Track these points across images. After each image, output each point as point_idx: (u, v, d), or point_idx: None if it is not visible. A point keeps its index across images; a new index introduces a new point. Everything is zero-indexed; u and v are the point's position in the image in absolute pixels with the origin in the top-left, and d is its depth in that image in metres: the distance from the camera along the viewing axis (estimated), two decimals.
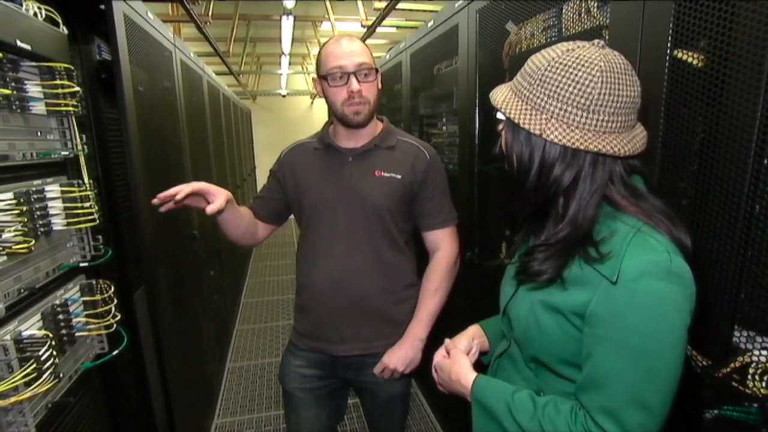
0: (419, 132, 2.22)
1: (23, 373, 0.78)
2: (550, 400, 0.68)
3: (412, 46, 2.20)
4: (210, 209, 1.00)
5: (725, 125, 0.67)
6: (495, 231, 1.50)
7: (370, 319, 1.24)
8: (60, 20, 1.02)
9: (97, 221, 1.06)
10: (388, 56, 2.73)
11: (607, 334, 0.60)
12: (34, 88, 0.93)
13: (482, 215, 1.61)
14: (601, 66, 0.60)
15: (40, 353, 0.82)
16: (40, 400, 0.89)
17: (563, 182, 0.65)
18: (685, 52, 0.73)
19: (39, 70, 0.94)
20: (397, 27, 4.34)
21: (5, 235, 0.81)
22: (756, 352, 0.66)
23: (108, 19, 1.21)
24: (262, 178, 1.39)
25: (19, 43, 0.85)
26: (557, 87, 0.62)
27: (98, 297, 1.08)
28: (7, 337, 0.81)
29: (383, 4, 3.23)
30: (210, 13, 3.53)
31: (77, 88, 1.01)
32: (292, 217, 1.35)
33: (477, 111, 1.54)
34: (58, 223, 0.98)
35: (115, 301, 1.10)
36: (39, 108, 0.95)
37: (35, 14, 0.93)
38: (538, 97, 0.64)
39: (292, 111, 9.46)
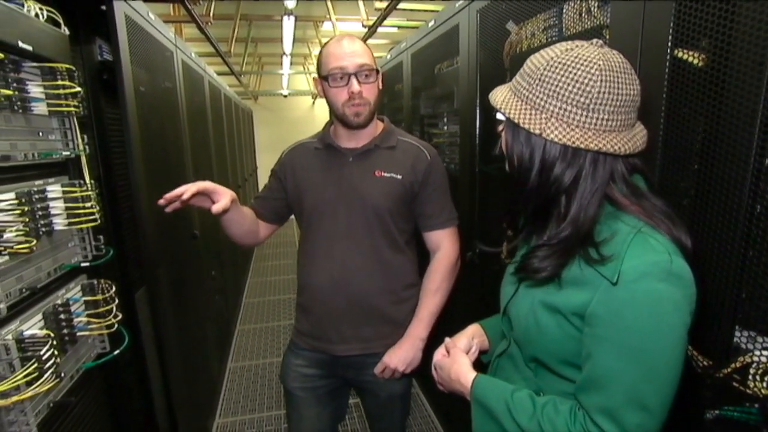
0: (420, 132, 2.22)
1: (25, 373, 0.78)
2: (549, 400, 0.68)
3: (413, 46, 2.20)
4: (215, 208, 1.01)
5: (726, 124, 0.67)
6: (496, 231, 1.50)
7: (370, 319, 1.24)
8: (61, 21, 1.02)
9: (99, 221, 1.06)
10: (389, 56, 2.73)
11: (607, 335, 0.60)
12: (35, 89, 0.93)
13: (483, 215, 1.61)
14: (600, 65, 0.60)
15: (42, 353, 0.82)
16: (42, 400, 0.89)
17: (564, 181, 0.65)
18: (685, 51, 0.72)
19: (40, 71, 0.95)
20: (398, 27, 4.34)
21: (7, 235, 0.81)
22: (757, 353, 0.66)
23: (109, 20, 1.22)
24: (263, 178, 1.40)
25: (20, 44, 0.86)
26: (556, 86, 0.62)
27: (99, 297, 1.08)
28: (9, 336, 0.81)
29: (384, 4, 3.23)
30: (211, 14, 3.53)
31: (79, 89, 1.01)
32: (293, 216, 1.35)
33: (478, 111, 1.54)
34: (60, 223, 0.98)
35: (117, 301, 1.10)
36: (41, 108, 0.95)
37: (37, 15, 0.94)
38: (537, 97, 0.64)
39: (293, 111, 9.47)
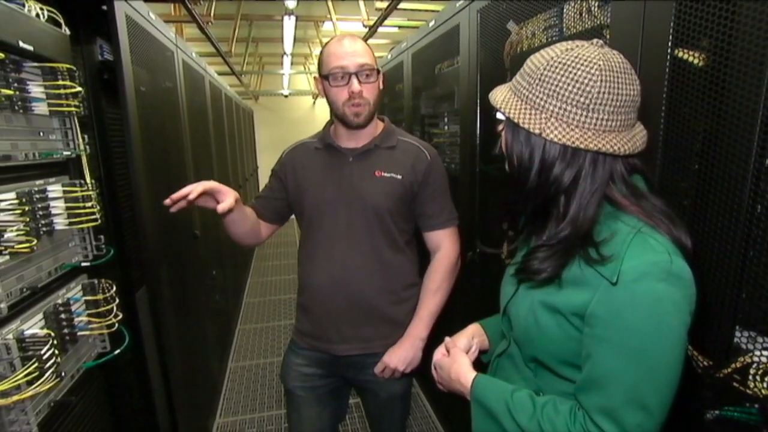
0: (421, 132, 2.22)
1: (25, 372, 0.79)
2: (549, 400, 0.68)
3: (414, 46, 2.20)
4: (221, 208, 1.01)
5: (726, 124, 0.67)
6: (496, 230, 1.50)
7: (370, 319, 1.24)
8: (62, 21, 1.02)
9: (99, 221, 1.07)
10: (389, 56, 2.73)
11: (606, 335, 0.60)
12: (36, 89, 0.93)
13: (483, 215, 1.61)
14: (600, 65, 0.60)
15: (42, 352, 0.82)
16: (42, 399, 0.89)
17: (564, 181, 0.65)
18: (686, 51, 0.72)
19: (41, 71, 0.95)
20: (399, 27, 4.34)
21: (8, 235, 0.81)
22: (757, 353, 0.66)
23: (110, 20, 1.22)
24: (264, 178, 1.40)
25: (21, 44, 0.86)
26: (556, 86, 0.62)
27: (100, 296, 1.08)
28: (10, 336, 0.81)
29: (385, 4, 3.23)
30: (212, 14, 3.54)
31: (79, 89, 1.01)
32: (294, 216, 1.35)
33: (478, 111, 1.54)
34: (61, 222, 0.99)
35: (117, 301, 1.10)
36: (41, 108, 0.95)
37: (37, 15, 0.94)
38: (537, 97, 0.64)
39: (294, 111, 9.48)
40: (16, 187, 0.88)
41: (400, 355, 1.23)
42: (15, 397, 0.78)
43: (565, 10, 1.05)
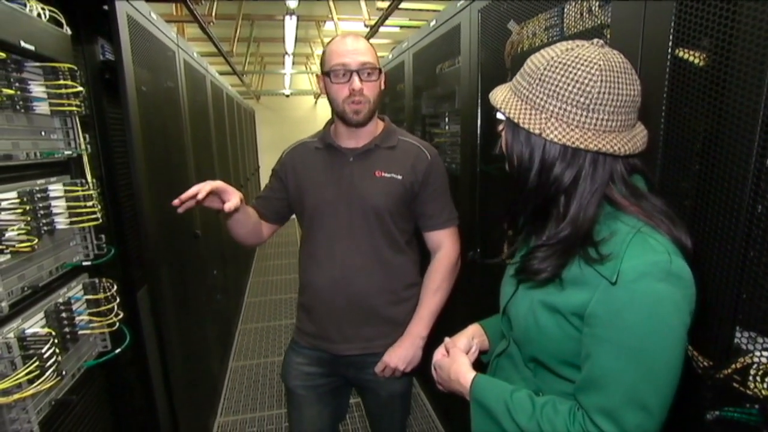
0: (422, 132, 2.22)
1: (26, 371, 0.79)
2: (548, 400, 0.68)
3: (415, 46, 2.20)
4: (228, 206, 1.02)
5: (727, 124, 0.67)
6: (497, 230, 1.50)
7: (371, 319, 1.24)
8: (63, 21, 1.03)
9: (100, 220, 1.07)
10: (391, 56, 2.73)
11: (606, 335, 0.60)
12: (37, 88, 0.94)
13: (484, 215, 1.61)
14: (600, 65, 0.60)
15: (43, 351, 0.83)
16: (43, 398, 0.89)
17: (564, 182, 0.65)
18: (686, 51, 0.72)
19: (43, 71, 0.95)
20: (401, 27, 4.34)
21: (9, 234, 0.81)
22: (757, 353, 0.66)
23: (111, 20, 1.22)
24: (265, 178, 1.40)
25: (23, 44, 0.86)
26: (556, 86, 0.62)
27: (101, 295, 1.09)
28: (11, 334, 0.81)
29: (386, 4, 3.23)
30: (213, 13, 3.54)
31: (80, 88, 1.01)
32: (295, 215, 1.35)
33: (479, 111, 1.54)
34: (62, 222, 0.99)
35: (118, 300, 1.11)
36: (43, 108, 0.95)
37: (39, 15, 0.94)
38: (537, 97, 0.64)
39: (295, 111, 9.48)
40: (17, 187, 0.88)
41: (401, 355, 1.23)
42: (16, 396, 0.78)
43: (565, 10, 1.04)
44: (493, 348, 0.92)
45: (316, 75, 1.25)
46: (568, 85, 0.61)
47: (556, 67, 0.62)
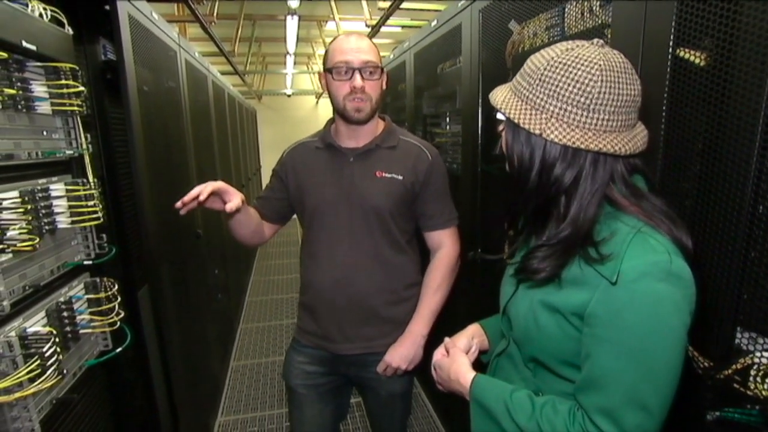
0: (423, 131, 2.22)
1: (27, 370, 0.79)
2: (548, 400, 0.68)
3: (416, 46, 2.20)
4: (229, 207, 1.02)
5: (728, 124, 0.67)
6: (498, 230, 1.50)
7: (372, 319, 1.24)
8: (65, 21, 1.03)
9: (102, 220, 1.07)
10: (392, 56, 2.73)
11: (606, 335, 0.60)
12: (39, 88, 0.94)
13: (485, 214, 1.61)
14: (600, 65, 0.60)
15: (44, 350, 0.83)
16: (44, 396, 0.90)
17: (564, 182, 0.64)
18: (687, 50, 0.72)
19: (44, 70, 0.96)
20: (402, 26, 4.34)
21: (10, 233, 0.82)
22: (758, 354, 0.66)
23: (113, 20, 1.23)
24: (266, 178, 1.40)
25: (24, 44, 0.86)
26: (557, 86, 0.62)
27: (102, 295, 1.09)
28: (12, 333, 0.82)
29: (387, 4, 3.23)
30: (215, 13, 3.55)
31: (82, 88, 1.02)
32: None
33: (480, 110, 1.54)
34: (63, 221, 0.99)
35: (119, 299, 1.11)
36: (44, 108, 0.96)
37: (40, 15, 0.94)
38: (537, 97, 0.64)
39: (297, 110, 9.50)
40: (19, 186, 0.89)
41: (402, 354, 1.23)
42: (17, 394, 0.78)
43: (566, 10, 1.04)
44: (492, 348, 0.92)
45: (318, 72, 1.25)
46: (569, 85, 0.61)
47: (557, 68, 0.62)
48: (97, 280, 1.10)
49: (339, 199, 1.21)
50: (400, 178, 1.20)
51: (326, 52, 1.18)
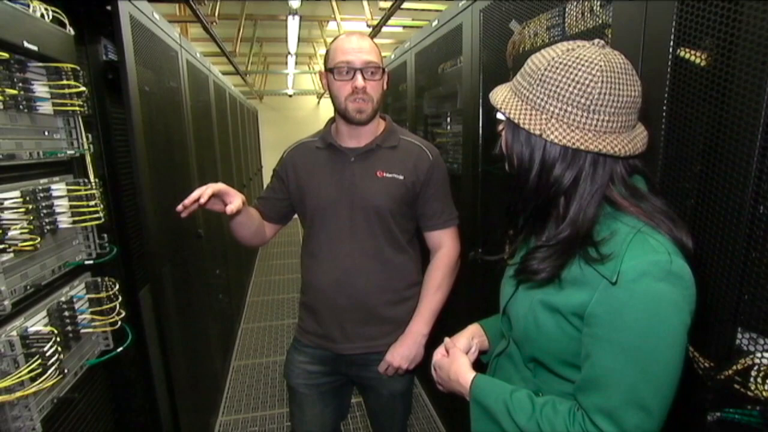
0: (424, 131, 2.22)
1: (28, 369, 0.79)
2: (548, 400, 0.67)
3: (417, 46, 2.20)
4: (230, 209, 1.03)
5: (729, 124, 0.66)
6: (498, 230, 1.50)
7: (373, 318, 1.24)
8: (67, 21, 1.03)
9: (103, 219, 1.08)
10: (393, 56, 2.73)
11: (606, 335, 0.60)
12: (41, 88, 0.94)
13: (485, 214, 1.61)
14: (601, 65, 0.59)
15: (45, 349, 0.83)
16: (46, 396, 0.90)
17: (564, 182, 0.64)
18: (688, 51, 0.72)
19: (46, 71, 0.96)
20: (403, 26, 4.34)
21: (12, 233, 0.82)
22: (759, 355, 0.65)
23: (114, 20, 1.23)
24: (268, 178, 1.40)
25: (26, 44, 0.87)
26: (557, 87, 0.61)
27: (103, 294, 1.09)
28: (14, 333, 0.82)
29: (388, 4, 3.23)
30: (216, 14, 3.55)
31: (83, 88, 1.02)
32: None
33: (480, 110, 1.54)
34: (64, 221, 1.00)
35: (120, 299, 1.11)
36: (46, 108, 0.96)
37: (42, 15, 0.95)
38: (538, 97, 0.63)
39: (298, 110, 9.50)
40: (20, 186, 0.89)
41: (403, 353, 1.24)
42: (18, 394, 0.79)
43: (567, 10, 1.04)
44: (492, 348, 0.92)
45: (320, 72, 1.25)
46: (569, 85, 0.61)
47: (557, 68, 0.62)
48: (98, 279, 1.11)
49: (340, 199, 1.21)
50: (401, 177, 1.20)
51: (328, 51, 1.18)
